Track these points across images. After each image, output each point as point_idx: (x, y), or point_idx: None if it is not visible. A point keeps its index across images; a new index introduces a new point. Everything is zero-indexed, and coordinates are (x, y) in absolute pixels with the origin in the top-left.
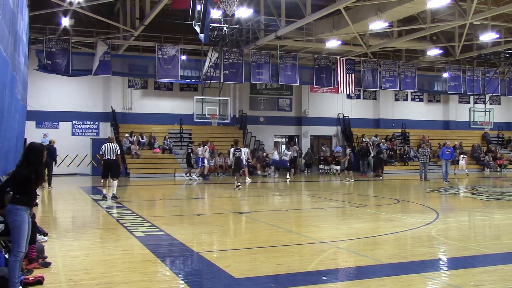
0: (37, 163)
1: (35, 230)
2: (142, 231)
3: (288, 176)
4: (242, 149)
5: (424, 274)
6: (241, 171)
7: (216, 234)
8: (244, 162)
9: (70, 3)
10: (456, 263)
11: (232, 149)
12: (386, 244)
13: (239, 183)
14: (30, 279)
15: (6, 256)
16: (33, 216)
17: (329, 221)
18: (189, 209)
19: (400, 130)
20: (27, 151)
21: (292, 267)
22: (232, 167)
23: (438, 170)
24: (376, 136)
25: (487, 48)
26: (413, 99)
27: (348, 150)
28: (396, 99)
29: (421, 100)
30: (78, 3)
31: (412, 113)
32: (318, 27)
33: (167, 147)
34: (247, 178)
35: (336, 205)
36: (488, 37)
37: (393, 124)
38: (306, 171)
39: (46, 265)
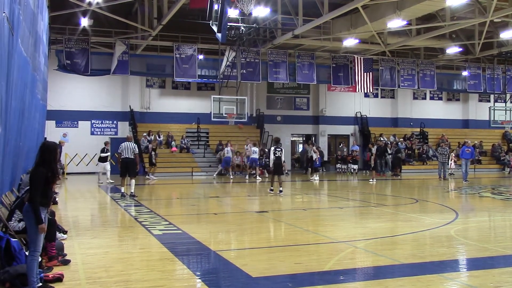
0: (52, 161)
1: (55, 228)
2: (160, 230)
3: (316, 177)
4: (255, 148)
5: (443, 274)
6: (284, 173)
7: (233, 233)
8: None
9: (89, 4)
10: (475, 264)
11: (272, 148)
12: (405, 244)
13: (281, 188)
14: (50, 276)
15: (27, 253)
16: (52, 214)
17: (346, 220)
18: (206, 208)
19: (418, 129)
20: (42, 150)
21: (310, 266)
22: (272, 169)
23: (457, 169)
24: (394, 135)
25: (507, 45)
26: (432, 98)
27: (373, 149)
28: (415, 98)
29: (440, 98)
30: (97, 3)
31: (431, 112)
32: (335, 25)
33: (185, 146)
34: (258, 177)
35: (353, 205)
36: (509, 34)
37: (411, 123)
38: (321, 170)
39: (66, 262)
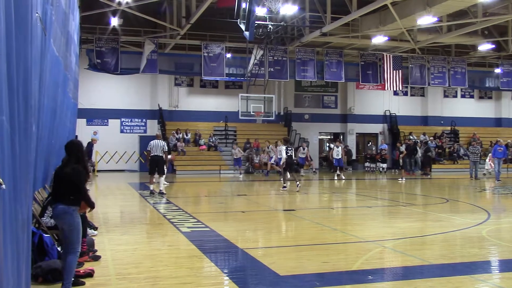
0: (83, 159)
1: (86, 224)
2: (188, 227)
3: (341, 176)
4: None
5: (474, 276)
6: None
7: (260, 231)
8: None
9: (119, 3)
10: (508, 266)
11: (284, 147)
12: (434, 244)
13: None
14: (81, 271)
15: (59, 249)
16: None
17: (375, 219)
18: (234, 206)
19: (449, 128)
20: (74, 149)
21: (337, 265)
22: (284, 166)
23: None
24: (424, 133)
25: None
26: (463, 96)
27: (401, 148)
28: (445, 96)
29: (472, 96)
30: (127, 3)
31: (462, 110)
32: (364, 23)
33: (213, 144)
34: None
35: (382, 204)
36: None
37: (441, 122)
38: (348, 169)
39: (96, 258)
